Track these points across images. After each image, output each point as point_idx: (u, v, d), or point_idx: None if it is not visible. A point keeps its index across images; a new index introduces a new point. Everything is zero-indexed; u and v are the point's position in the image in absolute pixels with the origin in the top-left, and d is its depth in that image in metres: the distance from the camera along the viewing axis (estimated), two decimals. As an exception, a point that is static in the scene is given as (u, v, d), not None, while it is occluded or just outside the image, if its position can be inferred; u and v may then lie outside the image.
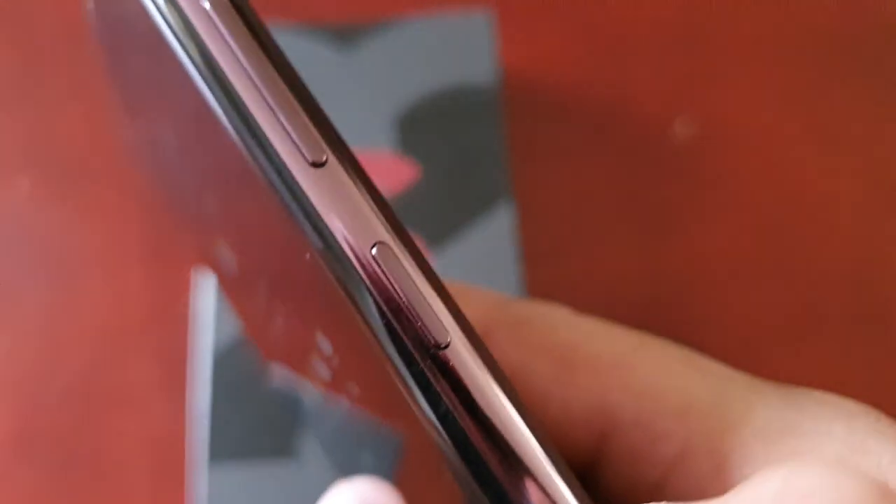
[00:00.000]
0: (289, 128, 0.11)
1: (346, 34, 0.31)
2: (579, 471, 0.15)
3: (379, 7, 0.34)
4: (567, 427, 0.15)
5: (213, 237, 0.17)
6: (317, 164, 0.11)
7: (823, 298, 0.31)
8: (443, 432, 0.11)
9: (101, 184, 0.33)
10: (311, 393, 0.19)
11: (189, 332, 0.29)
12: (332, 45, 0.31)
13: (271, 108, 0.11)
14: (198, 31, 0.11)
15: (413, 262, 0.11)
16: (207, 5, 0.11)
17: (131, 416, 0.29)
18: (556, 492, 0.11)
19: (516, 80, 0.33)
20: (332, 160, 0.11)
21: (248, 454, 0.25)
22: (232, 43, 0.11)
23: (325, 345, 0.13)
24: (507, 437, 0.11)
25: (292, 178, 0.11)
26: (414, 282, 0.11)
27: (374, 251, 0.11)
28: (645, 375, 0.14)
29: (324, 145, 0.11)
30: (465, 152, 0.29)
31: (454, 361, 0.11)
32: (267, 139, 0.11)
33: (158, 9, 0.11)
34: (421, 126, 0.30)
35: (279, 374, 0.22)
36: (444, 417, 0.11)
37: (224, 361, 0.26)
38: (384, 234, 0.11)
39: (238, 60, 0.11)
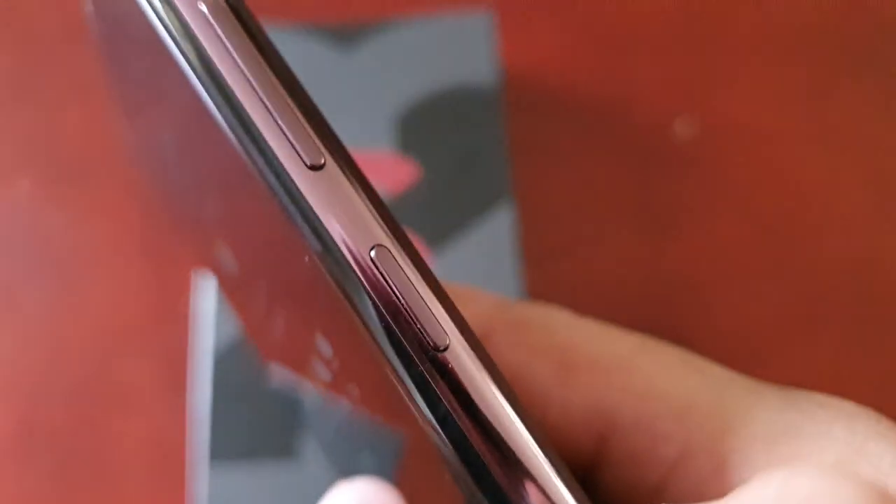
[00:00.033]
0: (286, 131, 0.11)
1: (346, 34, 0.31)
2: (579, 473, 0.15)
3: (379, 7, 0.34)
4: (567, 429, 0.15)
5: (213, 239, 0.17)
6: (315, 167, 0.11)
7: (823, 298, 0.31)
8: (442, 434, 0.11)
9: (101, 184, 0.33)
10: (311, 394, 0.19)
11: (189, 332, 0.29)
12: (331, 46, 0.31)
13: (269, 111, 0.11)
14: (195, 34, 0.11)
15: (411, 265, 0.11)
16: (204, 8, 0.11)
17: (131, 417, 0.29)
18: (556, 493, 0.11)
19: (516, 80, 0.33)
20: (331, 163, 0.11)
21: (248, 454, 0.25)
22: (229, 46, 0.11)
23: (325, 346, 0.13)
24: (506, 438, 0.11)
25: (290, 180, 0.11)
26: (412, 284, 0.11)
27: (372, 254, 0.11)
28: (645, 377, 0.14)
29: (322, 148, 0.11)
30: (465, 152, 0.29)
31: (453, 363, 0.11)
32: (265, 142, 0.11)
33: (156, 12, 0.11)
34: (421, 126, 0.30)
35: (279, 375, 0.22)
36: (444, 419, 0.11)
37: (224, 362, 0.26)
38: (382, 236, 0.11)
39: (235, 63, 0.11)
